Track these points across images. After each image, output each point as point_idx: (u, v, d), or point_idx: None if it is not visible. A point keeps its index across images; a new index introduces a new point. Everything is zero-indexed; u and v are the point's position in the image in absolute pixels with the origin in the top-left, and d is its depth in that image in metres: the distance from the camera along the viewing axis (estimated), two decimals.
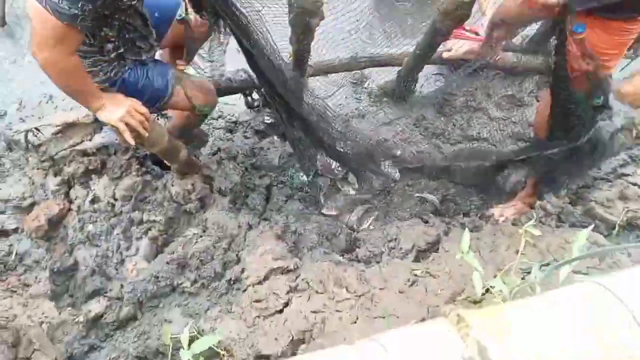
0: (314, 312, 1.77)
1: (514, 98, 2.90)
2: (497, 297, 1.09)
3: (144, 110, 1.81)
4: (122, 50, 1.82)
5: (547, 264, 1.54)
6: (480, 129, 2.78)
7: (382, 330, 1.62)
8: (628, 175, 2.39)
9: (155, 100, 1.99)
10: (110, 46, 1.77)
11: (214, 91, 2.23)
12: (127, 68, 1.88)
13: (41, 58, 1.46)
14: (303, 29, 1.88)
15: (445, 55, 2.77)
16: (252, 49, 1.79)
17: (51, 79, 1.56)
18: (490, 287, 1.12)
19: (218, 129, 2.84)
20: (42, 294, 2.11)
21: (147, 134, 1.83)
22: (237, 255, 2.21)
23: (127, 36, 1.80)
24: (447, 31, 2.12)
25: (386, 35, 3.14)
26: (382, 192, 2.51)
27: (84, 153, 2.55)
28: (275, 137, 2.77)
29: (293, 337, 1.70)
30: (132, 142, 1.80)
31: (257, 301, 1.90)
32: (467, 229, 1.17)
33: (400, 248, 2.11)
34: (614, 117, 2.83)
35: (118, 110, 1.74)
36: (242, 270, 2.06)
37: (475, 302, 1.61)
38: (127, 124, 1.76)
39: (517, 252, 1.93)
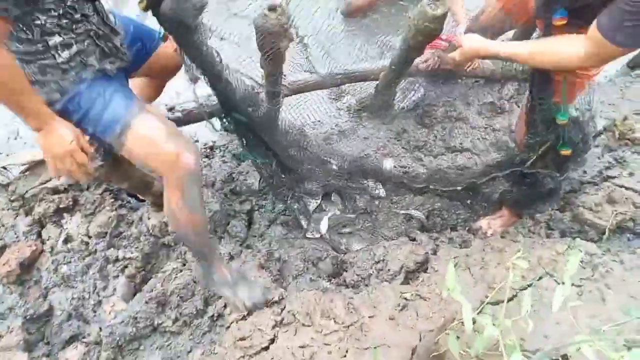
0: (302, 347, 1.69)
1: (495, 105, 2.87)
2: (486, 331, 1.02)
3: (84, 159, 1.48)
4: (75, 48, 1.42)
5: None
6: (462, 139, 2.73)
7: None
8: (614, 177, 2.35)
9: (106, 134, 1.50)
10: (56, 41, 1.38)
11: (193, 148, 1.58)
12: (85, 78, 1.45)
13: None
14: (272, 52, 1.82)
15: (421, 66, 2.73)
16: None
17: None
18: (481, 326, 1.05)
19: None
20: (14, 346, 1.98)
21: (86, 179, 1.54)
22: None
23: (75, 28, 1.42)
24: (420, 47, 2.06)
25: (361, 50, 3.10)
26: (367, 210, 2.44)
27: (55, 190, 2.45)
28: None
29: None
30: (56, 178, 1.58)
31: (242, 339, 1.80)
32: (451, 265, 1.10)
33: (389, 270, 2.04)
34: (595, 118, 2.82)
35: (57, 146, 1.43)
36: (225, 306, 1.97)
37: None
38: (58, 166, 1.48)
39: (507, 269, 1.87)
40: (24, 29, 1.31)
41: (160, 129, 1.51)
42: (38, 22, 1.33)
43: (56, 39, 1.38)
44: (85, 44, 1.45)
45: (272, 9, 1.62)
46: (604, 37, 1.30)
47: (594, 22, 1.33)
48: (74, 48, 1.42)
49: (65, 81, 1.43)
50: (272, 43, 1.70)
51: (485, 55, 1.72)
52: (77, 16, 1.41)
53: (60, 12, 1.36)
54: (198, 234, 1.71)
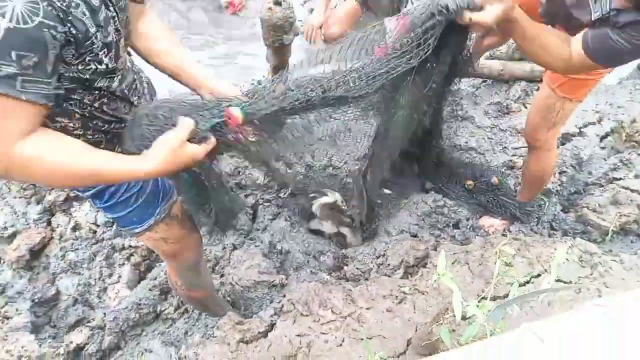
0: (299, 335, 1.71)
1: (501, 105, 2.87)
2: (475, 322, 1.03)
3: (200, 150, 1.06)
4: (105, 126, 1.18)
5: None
6: (468, 138, 2.73)
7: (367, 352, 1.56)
8: (620, 179, 2.34)
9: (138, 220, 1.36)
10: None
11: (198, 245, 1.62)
12: None
13: None
14: (278, 45, 1.86)
15: None
16: None
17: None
18: (465, 313, 1.06)
19: None
20: (22, 327, 2.04)
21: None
22: (221, 276, 2.16)
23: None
24: None
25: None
26: (370, 207, 2.46)
27: None
28: None
29: None
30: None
31: (239, 323, 1.84)
32: (442, 251, 1.12)
33: (389, 264, 2.05)
34: (603, 120, 2.81)
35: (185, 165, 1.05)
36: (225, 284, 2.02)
37: (464, 318, 1.55)
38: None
39: (507, 264, 1.88)
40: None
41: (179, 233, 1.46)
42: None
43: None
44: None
45: (277, 2, 1.66)
46: (588, 57, 1.29)
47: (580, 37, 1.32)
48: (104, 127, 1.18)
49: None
50: (277, 36, 1.74)
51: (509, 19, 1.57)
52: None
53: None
54: (201, 304, 1.81)
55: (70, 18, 0.89)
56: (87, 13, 0.93)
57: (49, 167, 0.93)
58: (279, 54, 1.97)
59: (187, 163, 1.03)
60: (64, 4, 0.87)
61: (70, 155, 0.95)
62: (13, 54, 0.80)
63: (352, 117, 2.98)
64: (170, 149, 0.99)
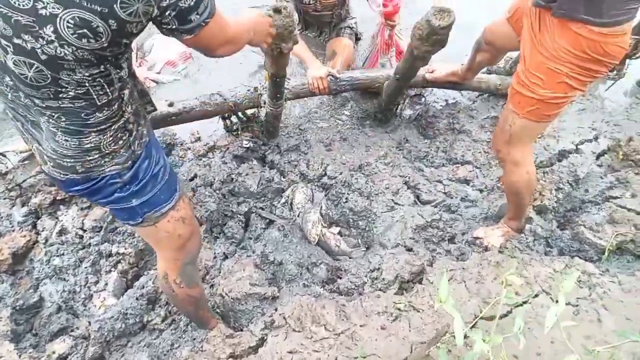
0: (291, 352, 1.66)
1: (498, 120, 2.84)
2: (476, 346, 0.99)
3: None
4: (131, 109, 1.25)
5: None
6: (464, 151, 2.71)
7: None
8: (616, 197, 2.32)
9: (139, 215, 1.37)
10: (125, 93, 1.20)
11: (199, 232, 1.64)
12: (144, 140, 1.32)
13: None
14: (277, 54, 1.81)
15: (428, 77, 2.73)
16: None
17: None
18: (471, 340, 1.03)
19: (194, 153, 2.74)
20: (1, 335, 1.96)
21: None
22: (211, 286, 2.10)
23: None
24: (425, 57, 2.06)
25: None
26: (365, 218, 2.42)
27: (52, 182, 2.43)
28: (254, 162, 2.67)
29: None
30: None
31: (230, 337, 1.78)
32: (445, 276, 1.07)
33: (383, 279, 2.01)
34: (599, 138, 2.80)
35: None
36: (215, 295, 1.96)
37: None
38: None
39: (502, 283, 1.85)
40: (106, 83, 1.10)
41: (187, 223, 1.49)
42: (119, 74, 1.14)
43: (126, 92, 1.20)
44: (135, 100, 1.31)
45: (277, 10, 1.61)
46: None
47: None
48: (131, 108, 1.25)
49: (134, 144, 1.28)
50: (276, 45, 1.70)
51: None
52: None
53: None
54: (196, 305, 1.75)
55: None
56: None
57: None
58: (277, 62, 1.93)
59: None
60: None
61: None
62: None
63: (348, 126, 2.97)
64: None
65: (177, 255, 1.54)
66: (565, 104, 1.72)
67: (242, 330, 1.92)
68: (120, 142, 1.22)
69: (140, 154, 1.30)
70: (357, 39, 3.42)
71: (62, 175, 1.24)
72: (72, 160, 1.19)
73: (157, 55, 3.44)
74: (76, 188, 1.28)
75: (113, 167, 1.24)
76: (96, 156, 1.20)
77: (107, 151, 1.21)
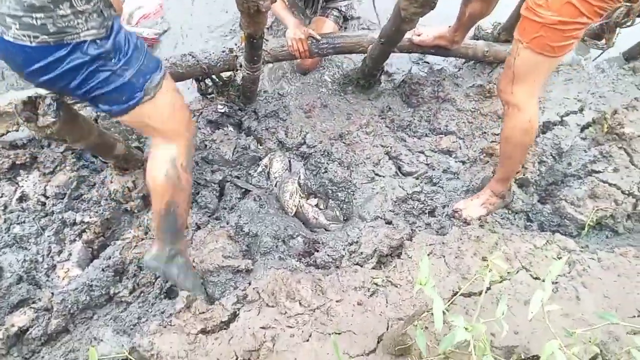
0: (263, 327, 1.60)
1: (484, 88, 2.76)
2: (458, 333, 0.93)
3: None
4: None
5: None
6: (448, 121, 2.62)
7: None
8: (599, 172, 2.28)
9: (138, 88, 1.38)
10: None
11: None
12: (112, 14, 1.32)
13: None
14: (253, 12, 1.67)
15: (415, 40, 2.60)
16: None
17: None
18: (450, 321, 0.97)
19: None
20: None
21: None
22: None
23: None
24: (412, 19, 1.93)
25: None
26: (345, 190, 2.34)
27: (12, 145, 2.28)
28: (230, 128, 2.55)
29: (237, 358, 1.53)
30: None
31: (201, 312, 1.71)
32: (426, 257, 1.00)
33: (361, 253, 1.95)
34: (584, 109, 2.75)
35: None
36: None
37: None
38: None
39: (483, 258, 1.81)
40: None
41: (179, 93, 1.55)
42: None
43: None
44: None
45: None
46: None
47: None
48: None
49: (105, 12, 1.27)
50: (252, 1, 1.56)
51: None
52: None
53: None
54: (188, 198, 1.69)
55: None
56: None
57: None
58: (254, 21, 1.78)
59: None
60: None
61: None
62: None
63: (329, 92, 2.84)
64: None
65: (182, 130, 1.54)
66: (571, 37, 1.59)
67: (213, 303, 1.85)
68: (92, 2, 1.19)
69: (113, 26, 1.28)
70: (345, 19, 3.21)
71: (32, 40, 1.14)
72: (41, 15, 1.11)
73: (132, 6, 3.22)
74: (49, 61, 1.18)
75: (88, 33, 1.19)
76: (68, 11, 1.14)
77: (79, 7, 1.15)
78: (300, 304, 1.65)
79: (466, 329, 0.88)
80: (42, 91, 1.46)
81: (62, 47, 1.17)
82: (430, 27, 2.61)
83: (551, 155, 2.46)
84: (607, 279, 1.71)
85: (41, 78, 1.23)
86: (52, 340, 1.88)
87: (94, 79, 1.26)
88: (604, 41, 2.85)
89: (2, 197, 2.19)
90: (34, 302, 1.94)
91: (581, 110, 2.74)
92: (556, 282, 1.68)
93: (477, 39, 2.87)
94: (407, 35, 2.45)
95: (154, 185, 1.56)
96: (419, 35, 2.59)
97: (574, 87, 2.90)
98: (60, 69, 1.20)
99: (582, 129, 2.62)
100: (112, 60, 1.27)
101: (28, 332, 1.85)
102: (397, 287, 1.73)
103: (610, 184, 2.22)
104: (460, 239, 1.86)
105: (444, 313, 1.06)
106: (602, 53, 2.94)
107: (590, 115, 2.67)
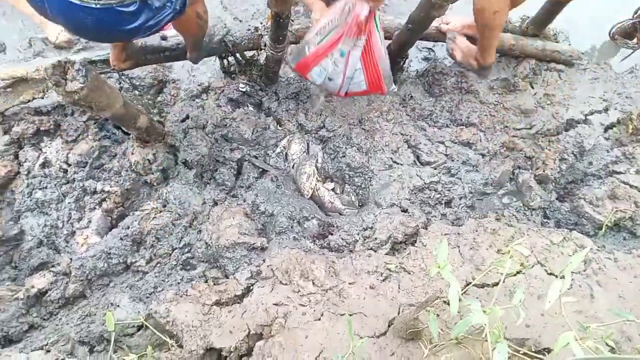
0: (276, 304, 1.62)
1: (508, 82, 2.72)
2: (475, 317, 0.94)
3: None
4: None
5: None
6: (470, 113, 2.60)
7: (347, 329, 1.48)
8: (620, 173, 2.25)
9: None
10: None
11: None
12: None
13: None
14: None
15: (444, 28, 2.58)
16: None
17: None
18: (467, 305, 0.97)
19: (187, 93, 2.60)
20: None
21: None
22: (198, 232, 2.05)
23: None
24: (443, 5, 1.91)
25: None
26: (362, 175, 2.34)
27: (37, 112, 2.32)
28: (250, 107, 2.55)
29: (250, 332, 1.55)
30: None
31: (215, 283, 1.74)
32: (445, 241, 1.01)
33: (376, 238, 1.96)
34: (609, 109, 2.70)
35: None
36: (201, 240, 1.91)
37: None
38: None
39: (498, 251, 1.80)
40: None
41: None
42: None
43: None
44: None
45: None
46: None
47: None
48: None
49: None
50: None
51: None
52: None
53: None
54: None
55: None
56: None
57: None
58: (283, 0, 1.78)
59: None
60: None
61: None
62: None
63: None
64: None
65: None
66: None
67: (227, 277, 1.88)
68: None
69: None
70: None
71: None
72: None
73: None
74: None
75: None
76: None
77: None
78: (313, 283, 1.67)
79: (484, 311, 0.88)
80: (72, 57, 1.47)
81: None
82: (459, 16, 2.58)
83: (573, 153, 2.43)
84: (622, 280, 1.69)
85: None
86: (70, 304, 1.94)
87: None
88: (635, 40, 2.80)
89: (25, 162, 2.24)
90: (53, 266, 1.99)
91: (606, 109, 2.69)
92: (571, 279, 1.67)
93: (505, 32, 2.83)
94: (435, 23, 2.43)
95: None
96: (447, 23, 2.56)
97: (600, 86, 2.84)
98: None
99: (606, 129, 2.57)
100: None
101: (47, 295, 1.90)
102: (410, 273, 1.74)
103: (631, 186, 2.19)
104: (476, 231, 1.85)
105: (459, 300, 1.07)
106: (632, 52, 2.89)
107: (615, 115, 2.63)
